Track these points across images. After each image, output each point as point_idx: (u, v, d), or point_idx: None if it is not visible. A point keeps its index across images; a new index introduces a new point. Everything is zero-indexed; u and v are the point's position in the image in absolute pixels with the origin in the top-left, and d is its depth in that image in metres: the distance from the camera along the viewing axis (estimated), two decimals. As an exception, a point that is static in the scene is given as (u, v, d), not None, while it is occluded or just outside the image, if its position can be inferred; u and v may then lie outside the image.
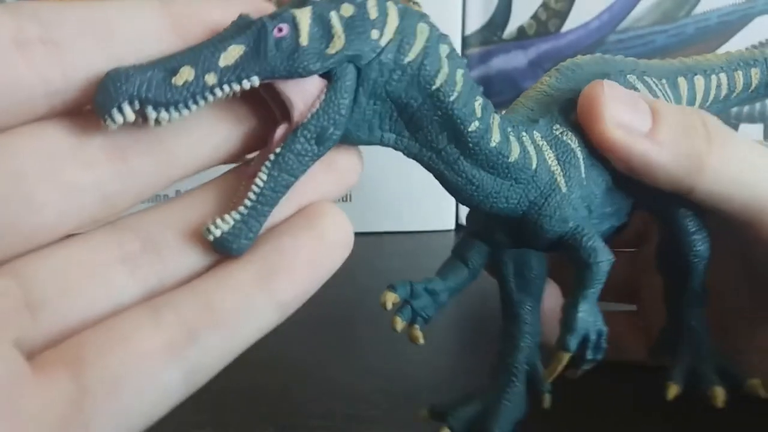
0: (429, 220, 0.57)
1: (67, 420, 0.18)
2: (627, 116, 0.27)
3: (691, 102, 0.33)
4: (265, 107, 0.22)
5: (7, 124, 0.19)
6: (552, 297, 0.33)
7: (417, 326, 0.29)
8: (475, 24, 0.57)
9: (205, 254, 0.21)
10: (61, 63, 0.19)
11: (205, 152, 0.22)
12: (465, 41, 0.57)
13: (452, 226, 0.58)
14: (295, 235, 0.21)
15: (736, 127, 0.59)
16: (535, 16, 0.57)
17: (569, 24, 0.57)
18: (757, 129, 0.59)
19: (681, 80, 0.32)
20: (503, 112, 0.30)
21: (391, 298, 0.28)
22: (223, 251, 0.21)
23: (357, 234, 0.22)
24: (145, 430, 0.20)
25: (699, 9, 0.57)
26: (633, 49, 0.57)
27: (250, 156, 0.23)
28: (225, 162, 0.23)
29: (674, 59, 0.34)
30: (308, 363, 0.37)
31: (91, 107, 0.19)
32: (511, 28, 0.57)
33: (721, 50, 0.57)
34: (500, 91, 0.58)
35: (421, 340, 0.29)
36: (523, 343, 0.31)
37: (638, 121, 0.27)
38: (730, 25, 0.57)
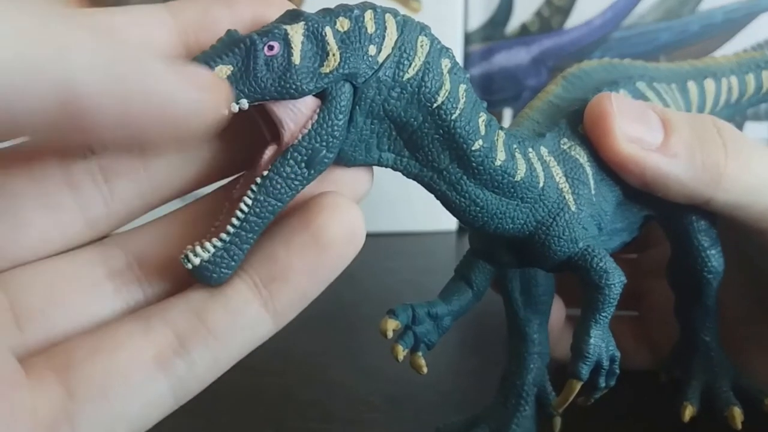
0: (429, 221, 0.57)
1: (57, 422, 0.18)
2: (637, 130, 0.25)
3: (702, 106, 0.32)
4: (254, 126, 0.21)
5: None
6: (558, 313, 0.31)
7: (420, 354, 0.27)
8: (477, 21, 0.56)
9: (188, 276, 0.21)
10: None
11: (188, 176, 0.21)
12: (467, 38, 0.57)
13: (453, 227, 0.58)
14: (288, 240, 0.20)
15: (741, 125, 0.58)
16: (537, 13, 0.57)
17: (572, 21, 0.57)
18: (763, 127, 0.58)
19: (691, 84, 0.31)
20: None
21: (391, 326, 0.26)
22: (201, 280, 0.20)
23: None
24: None
25: (703, 6, 0.56)
26: (637, 47, 0.57)
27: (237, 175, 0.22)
28: (210, 183, 0.22)
29: (684, 62, 0.33)
30: (308, 365, 0.37)
31: None
32: (513, 25, 0.57)
33: (726, 47, 0.56)
34: (502, 89, 0.58)
35: (425, 369, 0.27)
36: (531, 364, 0.29)
37: (649, 134, 0.26)
38: (734, 21, 0.56)
